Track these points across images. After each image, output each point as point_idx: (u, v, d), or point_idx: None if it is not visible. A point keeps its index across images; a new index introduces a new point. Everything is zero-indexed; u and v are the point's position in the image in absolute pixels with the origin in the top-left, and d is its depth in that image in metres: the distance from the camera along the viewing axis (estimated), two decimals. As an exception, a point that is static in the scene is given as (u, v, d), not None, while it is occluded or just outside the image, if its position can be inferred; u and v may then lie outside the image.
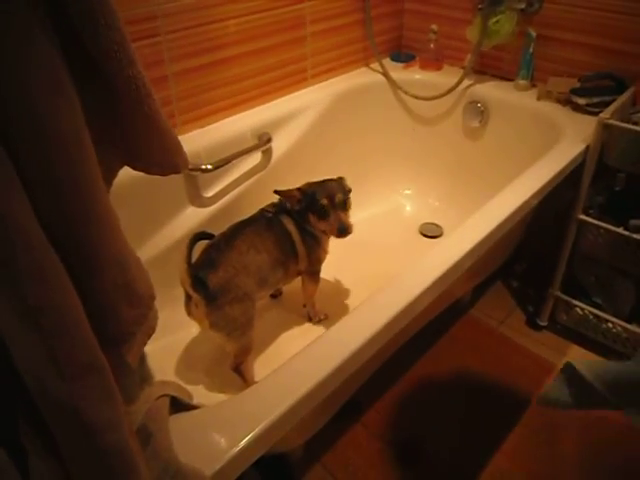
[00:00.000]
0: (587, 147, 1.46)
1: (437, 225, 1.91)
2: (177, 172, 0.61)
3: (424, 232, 1.90)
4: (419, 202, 2.02)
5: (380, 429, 1.43)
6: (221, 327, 1.21)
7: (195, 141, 1.44)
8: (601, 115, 1.40)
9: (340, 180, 1.37)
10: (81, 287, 0.45)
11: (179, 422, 0.73)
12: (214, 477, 0.68)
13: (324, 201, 1.30)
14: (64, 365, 0.42)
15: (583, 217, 1.52)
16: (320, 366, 0.86)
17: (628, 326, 1.55)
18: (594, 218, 1.52)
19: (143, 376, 0.65)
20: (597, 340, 1.64)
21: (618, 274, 1.58)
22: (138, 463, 0.50)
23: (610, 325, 1.60)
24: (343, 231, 1.31)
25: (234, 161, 1.46)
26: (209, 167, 1.38)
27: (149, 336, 0.61)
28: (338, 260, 1.52)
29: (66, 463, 0.45)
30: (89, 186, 0.47)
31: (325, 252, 1.43)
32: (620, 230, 1.46)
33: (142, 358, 0.65)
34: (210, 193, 1.46)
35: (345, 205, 1.34)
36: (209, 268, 1.18)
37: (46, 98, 0.42)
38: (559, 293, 1.67)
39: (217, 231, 1.29)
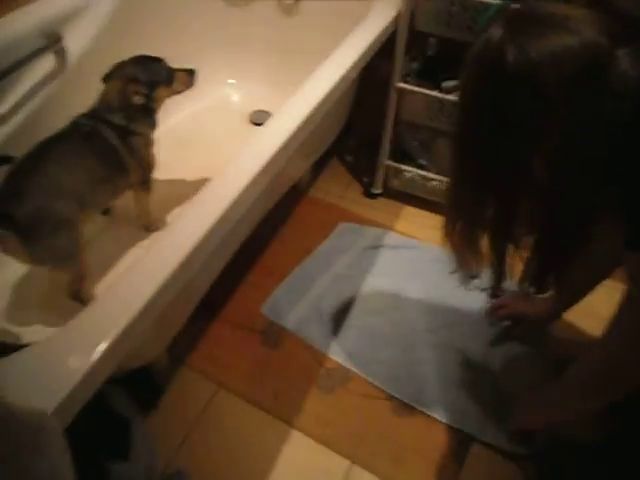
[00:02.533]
0: (398, 13, 1.47)
1: (267, 112, 1.87)
2: None
3: (254, 120, 1.85)
4: (245, 90, 1.94)
5: (239, 320, 1.47)
6: (45, 260, 1.11)
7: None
8: (406, -22, 1.40)
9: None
10: None
11: (9, 363, 0.69)
12: (59, 408, 0.65)
13: (164, 63, 1.29)
14: None
15: (401, 85, 1.58)
16: (157, 271, 0.84)
17: (450, 181, 1.70)
18: (411, 85, 1.58)
19: None
20: (426, 198, 1.79)
21: (438, 135, 1.69)
22: None
23: (436, 183, 1.74)
24: (193, 72, 1.33)
25: (21, 68, 1.26)
26: (-9, 76, 1.18)
27: None
28: (168, 162, 1.44)
29: None
30: None
31: (154, 157, 1.34)
32: (435, 93, 1.54)
33: None
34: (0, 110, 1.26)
35: None
36: (14, 198, 1.05)
37: None
38: (389, 161, 1.76)
39: (22, 150, 1.13)
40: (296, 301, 1.52)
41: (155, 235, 1.44)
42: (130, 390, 1.16)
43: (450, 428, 1.28)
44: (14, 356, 0.69)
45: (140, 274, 0.85)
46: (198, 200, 0.98)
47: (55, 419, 0.61)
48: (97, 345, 0.72)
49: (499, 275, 0.94)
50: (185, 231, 0.92)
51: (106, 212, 1.46)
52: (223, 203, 0.97)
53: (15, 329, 1.17)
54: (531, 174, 0.73)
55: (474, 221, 0.90)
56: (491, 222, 0.87)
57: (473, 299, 1.53)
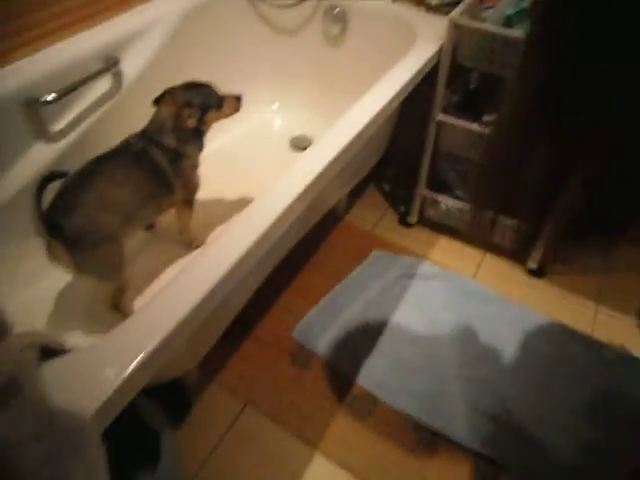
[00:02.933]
0: (440, 47, 1.50)
1: (308, 137, 1.92)
2: None
3: (295, 145, 1.90)
4: (288, 115, 2.00)
5: (270, 341, 1.49)
6: (89, 270, 1.16)
7: (28, 70, 1.29)
8: (451, 15, 1.43)
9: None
10: None
11: (55, 367, 0.72)
12: (98, 412, 0.68)
13: (214, 88, 1.35)
14: None
15: (441, 117, 1.60)
16: (195, 289, 0.87)
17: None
18: (451, 117, 1.60)
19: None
20: (462, 230, 1.79)
21: (475, 167, 1.70)
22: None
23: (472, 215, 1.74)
24: (240, 98, 1.39)
25: (80, 88, 1.34)
26: (52, 97, 1.26)
27: None
28: (210, 182, 1.49)
29: None
30: None
31: (199, 178, 1.39)
32: (474, 126, 1.56)
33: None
34: (57, 127, 1.34)
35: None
36: (65, 211, 1.11)
37: None
38: (425, 191, 1.78)
39: (76, 165, 1.20)
40: (327, 326, 1.53)
41: (195, 252, 1.49)
42: (161, 403, 1.19)
43: (475, 462, 1.26)
44: (58, 360, 0.73)
45: (178, 291, 0.88)
46: (238, 221, 1.02)
47: (94, 423, 0.64)
48: (135, 357, 0.75)
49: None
50: (224, 251, 0.95)
51: (150, 228, 1.52)
52: (262, 225, 1.00)
53: (58, 336, 1.22)
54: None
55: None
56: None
57: (506, 333, 1.52)
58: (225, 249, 0.95)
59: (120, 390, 0.71)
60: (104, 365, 0.72)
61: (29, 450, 0.53)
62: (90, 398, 0.67)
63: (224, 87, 1.40)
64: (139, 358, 0.75)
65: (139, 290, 1.36)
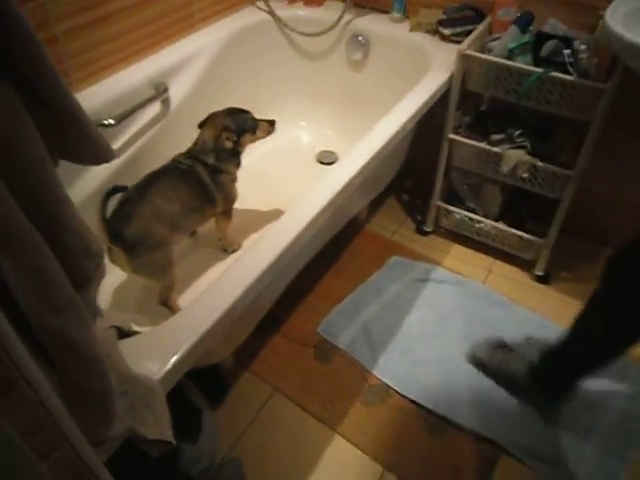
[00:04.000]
0: (451, 75, 1.67)
1: (332, 152, 2.10)
2: (107, 162, 0.76)
3: (321, 159, 2.09)
4: (314, 132, 2.19)
5: (297, 336, 1.67)
6: (143, 271, 1.37)
7: (93, 97, 1.50)
8: (459, 47, 1.60)
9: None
10: (57, 250, 0.62)
11: (131, 344, 0.92)
12: (163, 379, 0.86)
13: (250, 115, 1.52)
14: (53, 303, 0.59)
15: (452, 136, 1.76)
16: (233, 288, 1.05)
17: (495, 224, 1.85)
18: (463, 136, 1.76)
19: (94, 311, 0.82)
20: (473, 238, 1.95)
21: (485, 181, 1.85)
22: (108, 368, 0.70)
23: (482, 225, 1.90)
24: (274, 123, 1.56)
25: (135, 113, 1.55)
26: (111, 122, 1.46)
27: (101, 279, 0.79)
28: (245, 194, 1.68)
29: (59, 372, 0.63)
30: (51, 178, 0.64)
31: (237, 191, 1.59)
32: (483, 145, 1.71)
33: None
34: (115, 146, 1.54)
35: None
36: (124, 220, 1.30)
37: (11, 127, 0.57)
38: (439, 202, 1.94)
39: (128, 182, 1.40)
40: (348, 323, 1.71)
41: (232, 256, 1.68)
42: (201, 386, 1.38)
43: (478, 445, 1.42)
44: (132, 339, 0.92)
45: (219, 290, 1.06)
46: (271, 229, 1.20)
47: (160, 386, 0.83)
48: (190, 340, 0.94)
49: None
50: (258, 255, 1.13)
51: (192, 234, 1.72)
52: (292, 232, 1.18)
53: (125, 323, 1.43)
54: None
55: None
56: None
57: (510, 330, 1.67)
58: (260, 254, 1.13)
59: (177, 364, 0.90)
60: (166, 344, 0.92)
61: (118, 402, 0.72)
62: (157, 368, 0.86)
63: (258, 107, 1.59)
64: (192, 341, 0.94)
65: (184, 289, 1.56)
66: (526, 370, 1.47)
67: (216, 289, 1.08)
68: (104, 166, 1.51)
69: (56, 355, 0.62)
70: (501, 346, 1.58)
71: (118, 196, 1.35)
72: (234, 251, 1.68)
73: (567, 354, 1.37)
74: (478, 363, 1.57)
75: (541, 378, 1.45)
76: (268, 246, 1.14)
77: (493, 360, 1.54)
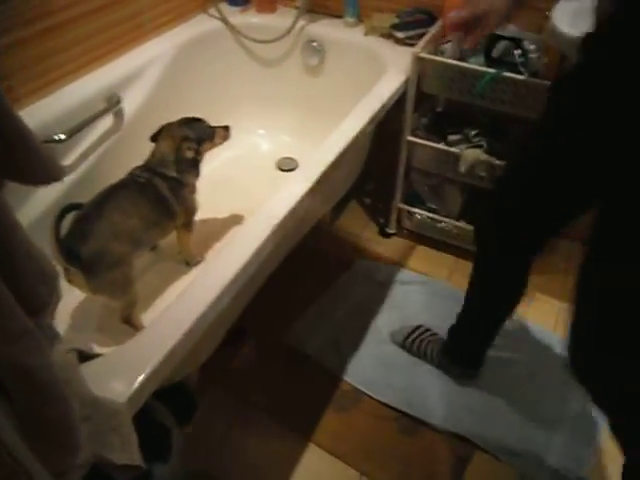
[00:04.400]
0: (407, 77, 1.68)
1: (292, 159, 2.09)
2: (57, 180, 0.73)
3: (281, 166, 2.07)
4: (273, 139, 2.18)
5: (264, 346, 1.65)
6: (103, 291, 1.32)
7: (43, 111, 1.45)
8: (413, 49, 1.61)
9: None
10: (8, 276, 0.59)
11: (93, 367, 0.88)
12: (129, 400, 0.83)
13: (206, 122, 1.51)
14: (8, 333, 0.57)
15: (411, 138, 1.78)
16: (197, 303, 1.03)
17: (457, 223, 1.88)
18: (421, 138, 1.78)
19: (52, 335, 0.78)
20: (435, 238, 1.97)
21: (445, 182, 1.88)
22: (68, 394, 0.67)
23: (444, 224, 1.92)
24: (228, 128, 1.55)
25: (87, 127, 1.50)
26: (62, 137, 1.41)
27: (57, 303, 0.76)
28: (206, 204, 1.65)
29: (17, 404, 0.60)
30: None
31: (197, 202, 1.55)
32: (441, 146, 1.74)
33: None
34: (67, 162, 1.49)
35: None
36: (80, 239, 1.25)
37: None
38: (401, 204, 1.95)
39: (83, 199, 1.35)
40: (316, 330, 1.70)
41: (195, 269, 1.65)
42: (169, 404, 1.34)
43: (451, 444, 1.43)
44: (94, 361, 0.88)
45: (183, 306, 1.03)
46: (234, 240, 1.18)
47: (126, 408, 0.80)
48: (154, 359, 0.91)
49: None
50: (221, 268, 1.11)
51: (153, 248, 1.67)
52: (255, 242, 1.16)
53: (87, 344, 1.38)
54: None
55: None
56: None
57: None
58: (223, 267, 1.11)
59: (143, 384, 0.87)
60: (132, 363, 0.89)
61: (82, 428, 0.69)
62: (123, 389, 0.83)
63: (214, 116, 1.57)
64: (158, 359, 0.91)
65: (147, 305, 1.51)
66: (439, 347, 1.58)
67: (180, 305, 1.05)
68: (56, 184, 1.50)
69: (12, 386, 0.59)
70: (416, 328, 1.66)
71: (73, 214, 1.30)
72: (197, 264, 1.64)
73: (465, 325, 1.48)
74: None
75: (451, 352, 1.56)
76: (231, 258, 1.12)
77: (407, 343, 1.64)
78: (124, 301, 1.37)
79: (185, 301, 1.05)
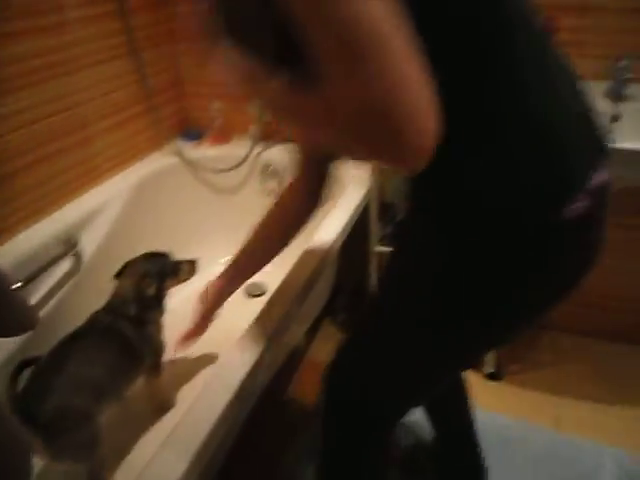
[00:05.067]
0: (368, 190, 1.71)
1: (260, 284, 2.03)
2: (32, 329, 0.64)
3: (250, 292, 2.01)
4: (238, 266, 2.12)
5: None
6: (64, 457, 1.15)
7: (-3, 261, 1.37)
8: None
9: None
10: None
11: None
12: None
13: (169, 257, 1.43)
14: None
15: (379, 248, 1.77)
16: (176, 462, 0.90)
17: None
18: (388, 246, 1.77)
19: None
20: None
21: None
22: None
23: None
24: (195, 262, 1.49)
25: (44, 273, 1.42)
26: (19, 285, 1.33)
27: None
28: (172, 341, 1.53)
29: None
30: None
31: (164, 342, 1.45)
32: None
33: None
34: (24, 312, 1.39)
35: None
36: (37, 397, 1.11)
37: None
38: (378, 316, 1.89)
39: (44, 348, 1.23)
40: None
41: (168, 417, 1.48)
42: None
43: None
44: None
45: (160, 465, 0.90)
46: (209, 384, 1.06)
47: None
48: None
49: None
50: (199, 417, 0.98)
51: (119, 399, 1.52)
52: (233, 385, 1.05)
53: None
54: None
55: None
56: None
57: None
58: (201, 415, 0.98)
59: None
60: None
61: None
62: None
63: (178, 248, 1.52)
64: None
65: (119, 462, 1.34)
66: None
67: (157, 464, 0.91)
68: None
69: None
70: None
71: (29, 370, 1.17)
72: (169, 409, 1.49)
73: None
74: None
75: None
76: (209, 405, 1.01)
77: None
78: (91, 464, 1.20)
79: (162, 461, 0.91)
